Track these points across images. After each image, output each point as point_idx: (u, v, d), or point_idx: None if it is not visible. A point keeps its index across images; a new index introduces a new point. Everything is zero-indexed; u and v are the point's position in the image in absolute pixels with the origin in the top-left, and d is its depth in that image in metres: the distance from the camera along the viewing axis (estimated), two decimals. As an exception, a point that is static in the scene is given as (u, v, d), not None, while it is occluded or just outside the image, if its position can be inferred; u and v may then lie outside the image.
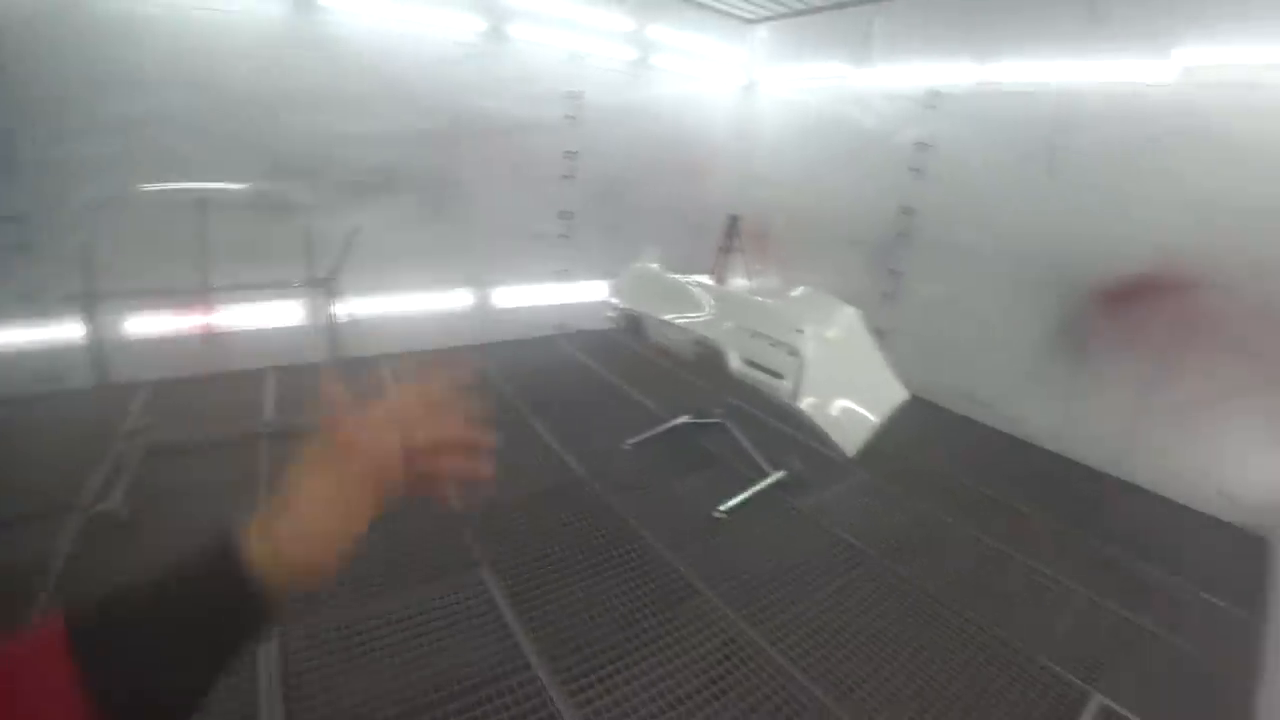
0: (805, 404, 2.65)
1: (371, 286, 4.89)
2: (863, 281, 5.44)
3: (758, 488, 3.37)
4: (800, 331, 2.67)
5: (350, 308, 3.40)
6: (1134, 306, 3.91)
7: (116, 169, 3.68)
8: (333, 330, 3.37)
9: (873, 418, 2.91)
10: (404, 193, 4.86)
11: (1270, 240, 3.37)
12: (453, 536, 2.88)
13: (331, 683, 2.09)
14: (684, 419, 4.06)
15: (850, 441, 2.82)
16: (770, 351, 2.71)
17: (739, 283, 6.66)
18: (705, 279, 3.71)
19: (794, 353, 2.67)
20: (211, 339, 3.78)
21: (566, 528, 3.01)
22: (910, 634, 2.53)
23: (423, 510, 2.80)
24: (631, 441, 3.86)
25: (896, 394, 3.06)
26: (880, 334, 5.18)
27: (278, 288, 3.19)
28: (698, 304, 3.28)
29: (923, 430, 4.46)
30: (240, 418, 3.72)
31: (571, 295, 5.97)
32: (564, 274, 5.93)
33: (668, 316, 3.24)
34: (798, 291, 3.05)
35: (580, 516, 3.11)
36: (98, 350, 3.22)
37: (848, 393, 2.85)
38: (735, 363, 2.84)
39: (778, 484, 3.45)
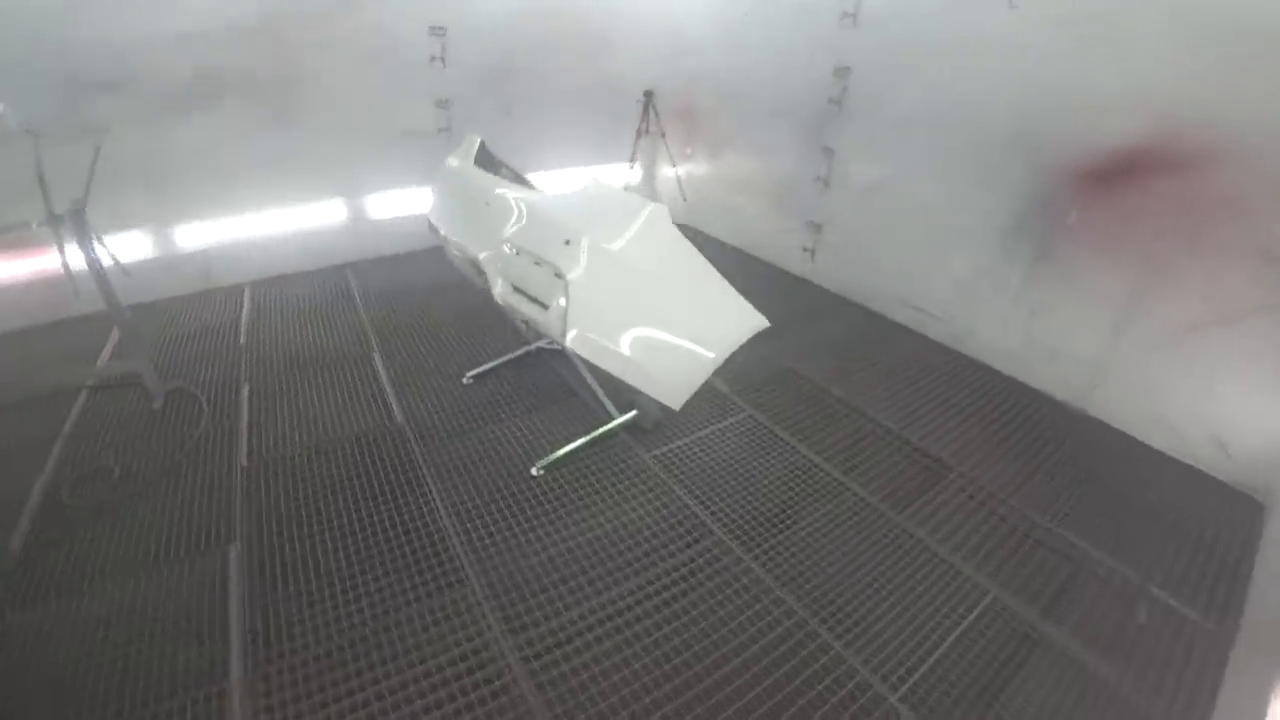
0: (573, 341, 2.06)
1: (217, 210, 4.41)
2: (795, 164, 4.58)
3: (592, 435, 2.88)
4: (566, 244, 2.06)
5: (113, 248, 2.93)
6: (1118, 192, 2.95)
7: None
8: (97, 273, 2.91)
9: (708, 354, 2.26)
10: (235, 100, 4.17)
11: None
12: (218, 503, 2.58)
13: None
14: (538, 344, 3.57)
15: (669, 388, 2.23)
16: (535, 274, 2.12)
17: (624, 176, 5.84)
18: (522, 179, 3.03)
19: (560, 274, 2.08)
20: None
21: (344, 487, 2.66)
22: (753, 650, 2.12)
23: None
24: (471, 374, 3.42)
25: (746, 321, 2.38)
26: (815, 227, 4.45)
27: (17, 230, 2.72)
28: (497, 215, 2.63)
29: (844, 347, 3.87)
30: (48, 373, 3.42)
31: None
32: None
33: (451, 233, 2.63)
34: (581, 188, 2.36)
35: (367, 472, 2.73)
36: None
37: (658, 324, 2.18)
38: (499, 290, 2.26)
39: (625, 427, 2.97)
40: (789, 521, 2.54)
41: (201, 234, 4.37)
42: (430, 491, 2.64)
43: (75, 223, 2.81)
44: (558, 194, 2.36)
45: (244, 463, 2.83)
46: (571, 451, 2.83)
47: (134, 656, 1.99)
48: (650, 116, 5.44)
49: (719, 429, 3.10)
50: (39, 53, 3.53)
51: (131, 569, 2.32)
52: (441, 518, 2.51)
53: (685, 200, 5.77)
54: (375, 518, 2.52)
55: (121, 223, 4.03)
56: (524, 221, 2.24)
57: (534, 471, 2.74)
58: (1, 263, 3.73)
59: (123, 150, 3.85)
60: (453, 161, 2.94)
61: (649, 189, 6.12)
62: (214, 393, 3.33)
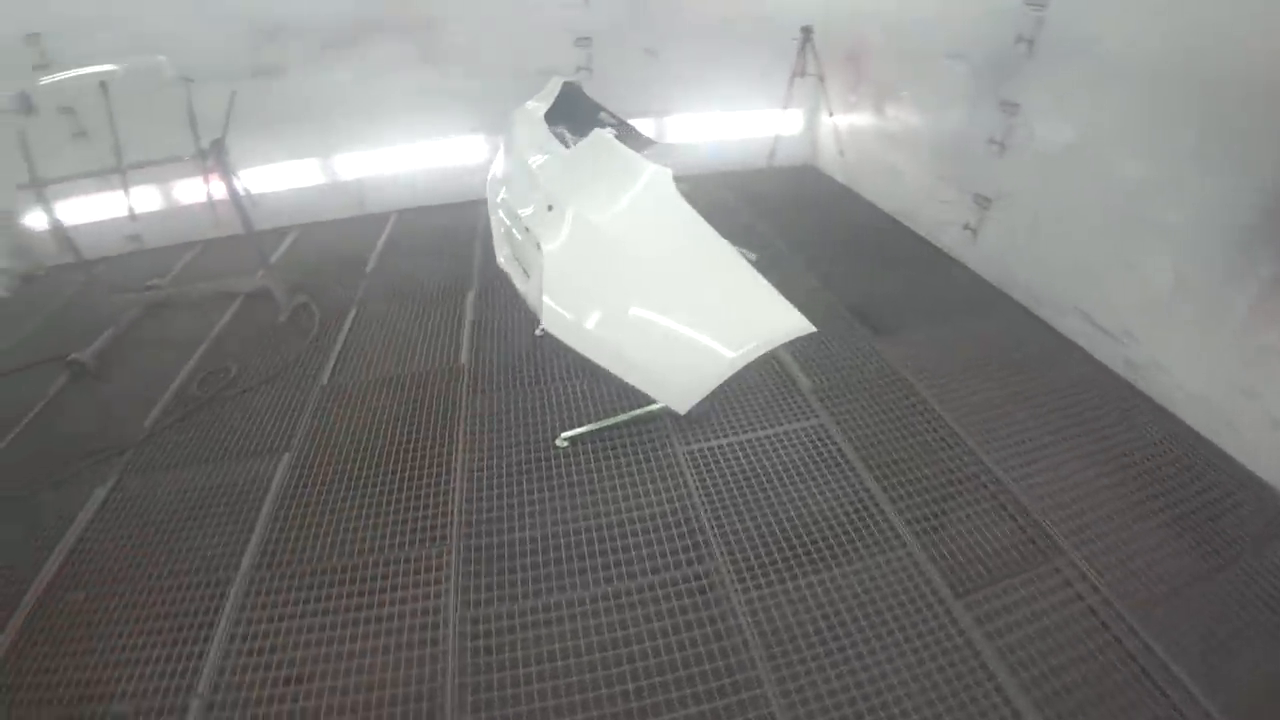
0: (547, 322, 1.83)
1: (372, 143, 4.82)
2: (966, 121, 3.64)
3: (627, 415, 2.65)
4: (549, 210, 1.80)
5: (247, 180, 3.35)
6: None
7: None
8: (234, 200, 3.35)
9: (725, 352, 1.83)
10: (387, 41, 4.45)
11: None
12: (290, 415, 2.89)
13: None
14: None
15: (671, 388, 1.89)
16: (525, 242, 1.89)
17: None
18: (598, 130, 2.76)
19: (538, 245, 1.84)
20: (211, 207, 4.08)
21: (390, 422, 2.76)
22: None
23: None
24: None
25: (781, 321, 1.86)
26: (982, 201, 3.61)
27: (170, 161, 3.21)
28: (515, 170, 2.40)
29: (981, 356, 3.11)
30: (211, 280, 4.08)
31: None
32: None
33: (499, 191, 2.48)
34: (588, 140, 2.02)
35: (414, 412, 2.81)
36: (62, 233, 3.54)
37: (657, 311, 1.82)
38: (501, 256, 2.08)
39: (669, 412, 2.68)
40: (807, 569, 2.11)
41: (357, 165, 4.84)
42: (456, 444, 2.67)
43: (216, 155, 3.22)
44: (574, 149, 2.06)
45: (324, 382, 3.13)
46: (602, 429, 2.65)
47: (183, 533, 2.35)
48: (808, 56, 4.71)
49: (776, 434, 2.67)
50: (230, 8, 4.06)
51: (211, 458, 2.72)
52: (455, 473, 2.52)
53: (843, 155, 4.99)
54: (400, 458, 2.62)
55: (291, 153, 4.62)
56: (521, 181, 2.02)
57: (558, 442, 2.63)
58: (163, 190, 4.46)
59: (296, 88, 4.36)
60: (530, 104, 2.77)
61: (808, 139, 5.40)
62: (328, 314, 3.71)
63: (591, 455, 2.57)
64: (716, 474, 2.47)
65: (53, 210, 3.35)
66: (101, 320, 3.75)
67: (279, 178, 4.77)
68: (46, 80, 3.30)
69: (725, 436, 2.66)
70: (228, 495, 2.51)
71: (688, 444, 2.62)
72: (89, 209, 4.35)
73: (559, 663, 1.85)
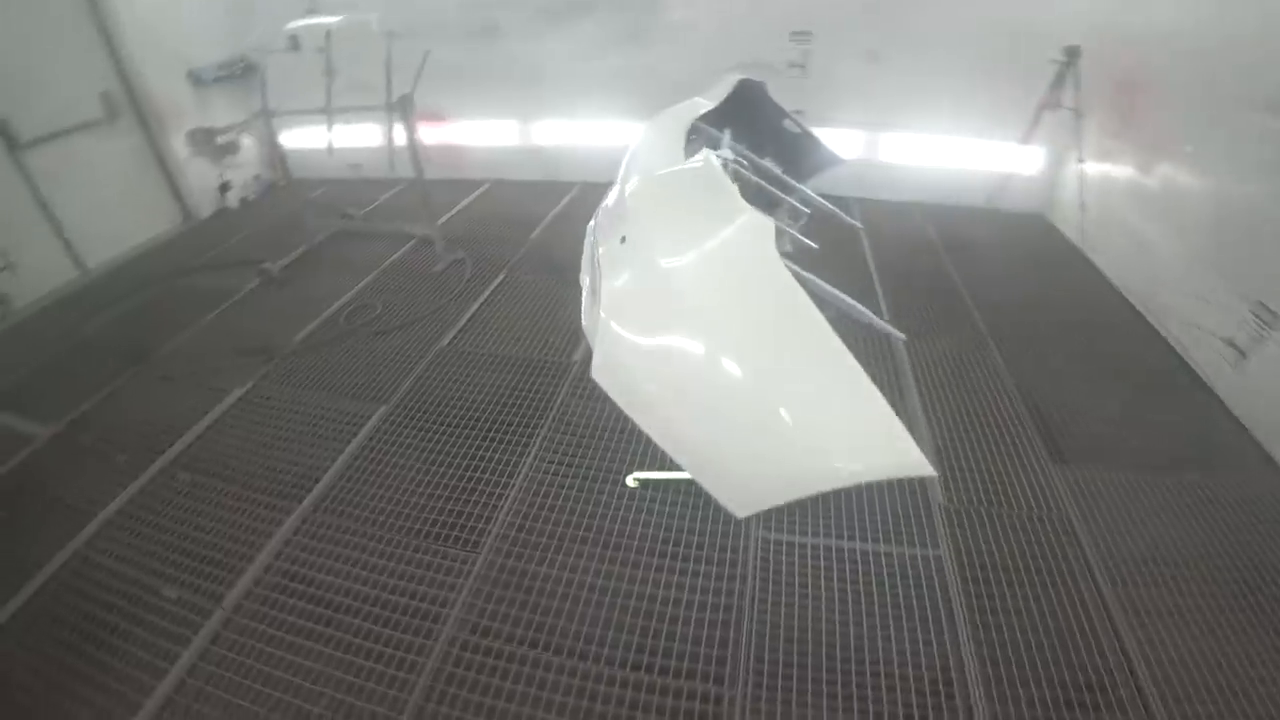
0: (596, 371, 1.47)
1: (569, 112, 4.89)
2: (1267, 198, 2.65)
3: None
4: (622, 241, 1.54)
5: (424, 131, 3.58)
6: None
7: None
8: (413, 150, 3.57)
9: (811, 465, 1.33)
10: (601, 15, 4.42)
11: None
12: (401, 368, 3.08)
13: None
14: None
15: (731, 486, 1.41)
16: (596, 274, 1.64)
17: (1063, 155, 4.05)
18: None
19: (602, 278, 1.57)
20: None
21: (483, 403, 2.76)
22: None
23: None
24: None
25: (886, 453, 1.30)
26: (1265, 314, 2.72)
27: (365, 109, 3.50)
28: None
29: (1218, 548, 2.24)
30: (396, 219, 4.44)
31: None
32: (797, 114, 4.63)
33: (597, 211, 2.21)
34: (685, 166, 1.66)
35: (507, 400, 2.78)
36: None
37: (727, 393, 1.39)
38: (584, 284, 1.83)
39: None
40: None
41: (552, 132, 4.96)
42: (531, 447, 2.58)
43: (404, 108, 3.42)
44: (671, 172, 1.73)
45: (443, 345, 3.23)
46: (675, 481, 2.35)
47: (279, 447, 2.63)
48: (1067, 85, 3.78)
49: (876, 552, 2.16)
50: None
51: (326, 387, 2.95)
52: (515, 478, 2.43)
53: (1083, 209, 4.01)
54: (474, 443, 2.60)
55: (491, 111, 4.85)
56: (614, 201, 1.75)
57: (628, 480, 2.40)
58: (360, 134, 4.82)
59: (508, 51, 4.55)
60: (676, 108, 2.51)
61: (1045, 185, 4.44)
62: (479, 273, 3.85)
63: (650, 508, 2.29)
64: (784, 577, 2.06)
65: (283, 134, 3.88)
66: (301, 237, 4.30)
67: (482, 133, 5.09)
68: (289, 26, 3.77)
69: (813, 535, 2.21)
70: (325, 427, 2.71)
71: (771, 530, 2.23)
72: (322, 137, 5.01)
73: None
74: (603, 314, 1.46)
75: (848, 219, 2.84)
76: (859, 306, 1.93)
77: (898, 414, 1.26)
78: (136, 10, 4.28)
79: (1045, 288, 3.68)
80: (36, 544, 2.26)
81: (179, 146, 4.75)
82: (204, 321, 3.54)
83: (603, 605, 1.99)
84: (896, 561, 2.12)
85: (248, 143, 5.14)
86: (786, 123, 3.05)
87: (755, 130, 3.01)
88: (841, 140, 4.38)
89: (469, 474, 2.46)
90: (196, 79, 4.77)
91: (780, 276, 1.34)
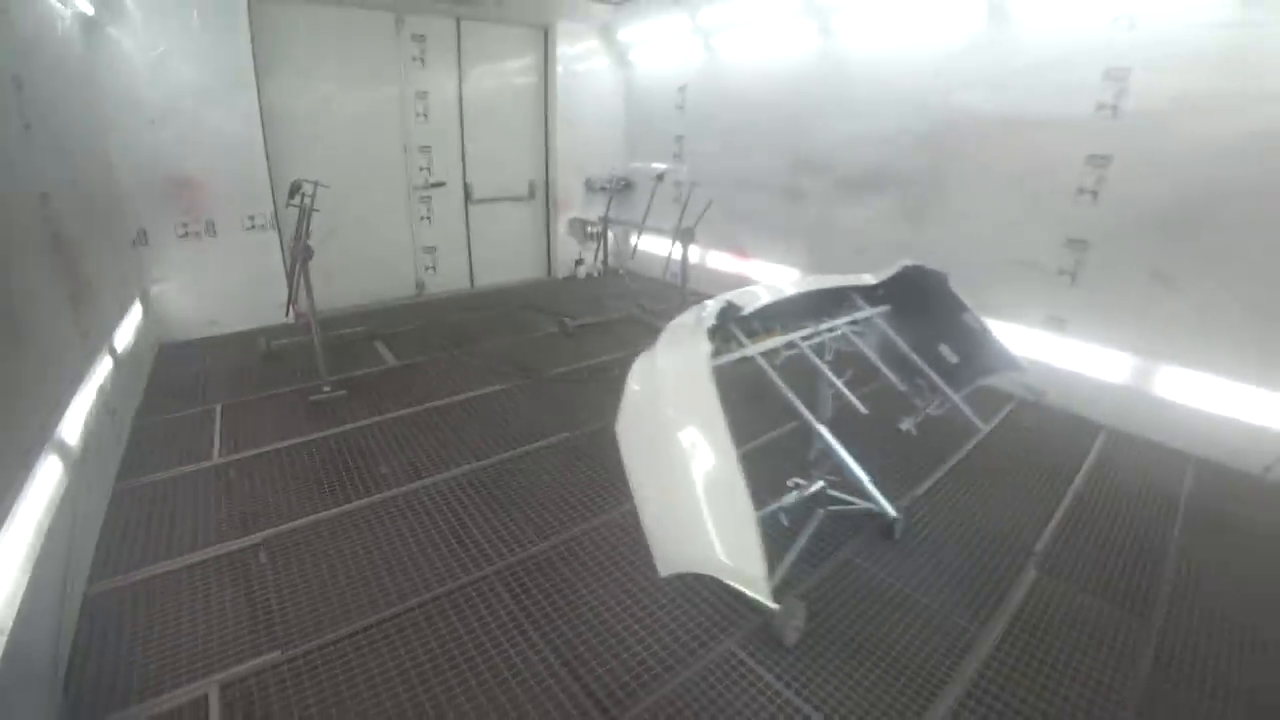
0: (624, 442, 2.07)
1: (832, 269, 5.54)
2: None
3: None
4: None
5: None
6: None
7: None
8: (683, 266, 4.78)
9: (693, 550, 1.83)
10: (889, 192, 5.03)
11: None
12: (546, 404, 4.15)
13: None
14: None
15: (659, 543, 1.93)
16: None
17: None
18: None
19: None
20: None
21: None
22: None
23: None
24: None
25: (740, 568, 1.73)
26: None
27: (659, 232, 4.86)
28: None
29: None
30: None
31: (1057, 353, 4.41)
32: (1057, 322, 4.41)
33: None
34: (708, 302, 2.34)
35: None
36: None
37: (662, 471, 1.95)
38: None
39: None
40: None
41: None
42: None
43: (685, 236, 4.64)
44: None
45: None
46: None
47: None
48: None
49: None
50: (783, 144, 5.49)
51: (562, 416, 4.09)
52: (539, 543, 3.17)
53: None
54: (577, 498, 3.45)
55: (782, 258, 5.93)
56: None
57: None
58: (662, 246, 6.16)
59: (803, 212, 5.55)
60: (865, 275, 3.02)
61: None
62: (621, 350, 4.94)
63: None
64: None
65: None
66: (602, 309, 5.94)
67: (769, 269, 6.18)
68: (634, 164, 5.54)
69: (836, 687, 2.18)
70: (559, 452, 3.65)
71: (782, 675, 2.19)
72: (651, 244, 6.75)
73: None
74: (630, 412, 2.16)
75: (975, 419, 2.89)
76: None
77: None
78: (564, 139, 6.93)
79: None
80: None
81: (561, 227, 7.14)
82: (508, 339, 5.32)
83: None
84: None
85: (610, 236, 7.23)
86: (966, 316, 3.19)
87: (931, 318, 3.24)
88: (1104, 360, 4.08)
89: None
90: (589, 185, 7.09)
91: (708, 397, 1.89)
